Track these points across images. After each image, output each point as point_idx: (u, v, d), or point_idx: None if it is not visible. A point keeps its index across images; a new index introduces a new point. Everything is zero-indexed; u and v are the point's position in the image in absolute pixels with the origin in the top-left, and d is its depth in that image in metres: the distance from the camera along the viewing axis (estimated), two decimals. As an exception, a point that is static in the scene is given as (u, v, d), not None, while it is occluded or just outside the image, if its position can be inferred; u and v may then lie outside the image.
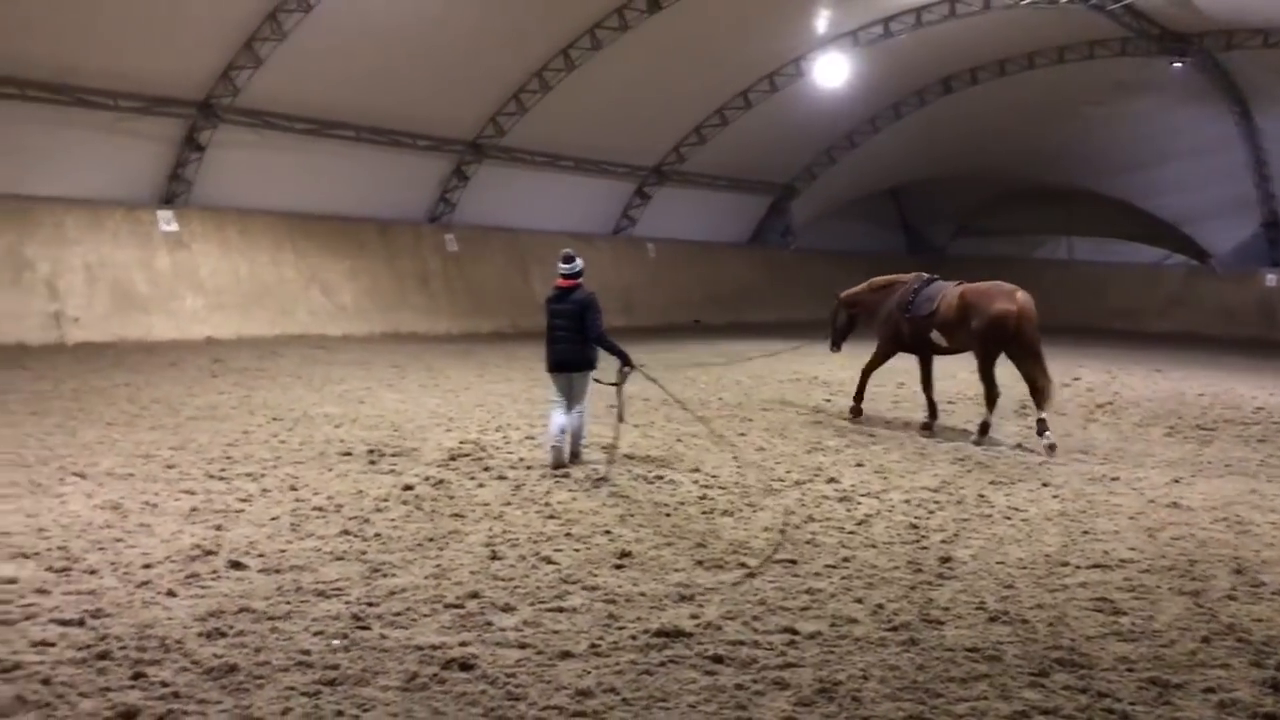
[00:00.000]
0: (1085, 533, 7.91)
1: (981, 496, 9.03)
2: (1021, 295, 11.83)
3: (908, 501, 8.76)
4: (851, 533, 7.73)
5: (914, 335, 12.70)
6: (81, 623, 5.39)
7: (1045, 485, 9.56)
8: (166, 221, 21.18)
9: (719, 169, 30.89)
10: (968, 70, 28.53)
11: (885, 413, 13.79)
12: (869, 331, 13.94)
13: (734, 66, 26.66)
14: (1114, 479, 9.93)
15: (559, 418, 9.73)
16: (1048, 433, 11.42)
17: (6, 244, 18.90)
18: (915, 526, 7.96)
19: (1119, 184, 32.37)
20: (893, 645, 5.49)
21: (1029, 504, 8.81)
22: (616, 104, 25.87)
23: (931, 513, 8.42)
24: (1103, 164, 31.48)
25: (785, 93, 27.67)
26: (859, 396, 13.40)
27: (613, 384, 10.03)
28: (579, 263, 10.00)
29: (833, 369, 19.03)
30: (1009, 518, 8.33)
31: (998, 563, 7.06)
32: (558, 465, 9.54)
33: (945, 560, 7.06)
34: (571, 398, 9.83)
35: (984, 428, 11.98)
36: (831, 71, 25.91)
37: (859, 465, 10.22)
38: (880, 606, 6.08)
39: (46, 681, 4.67)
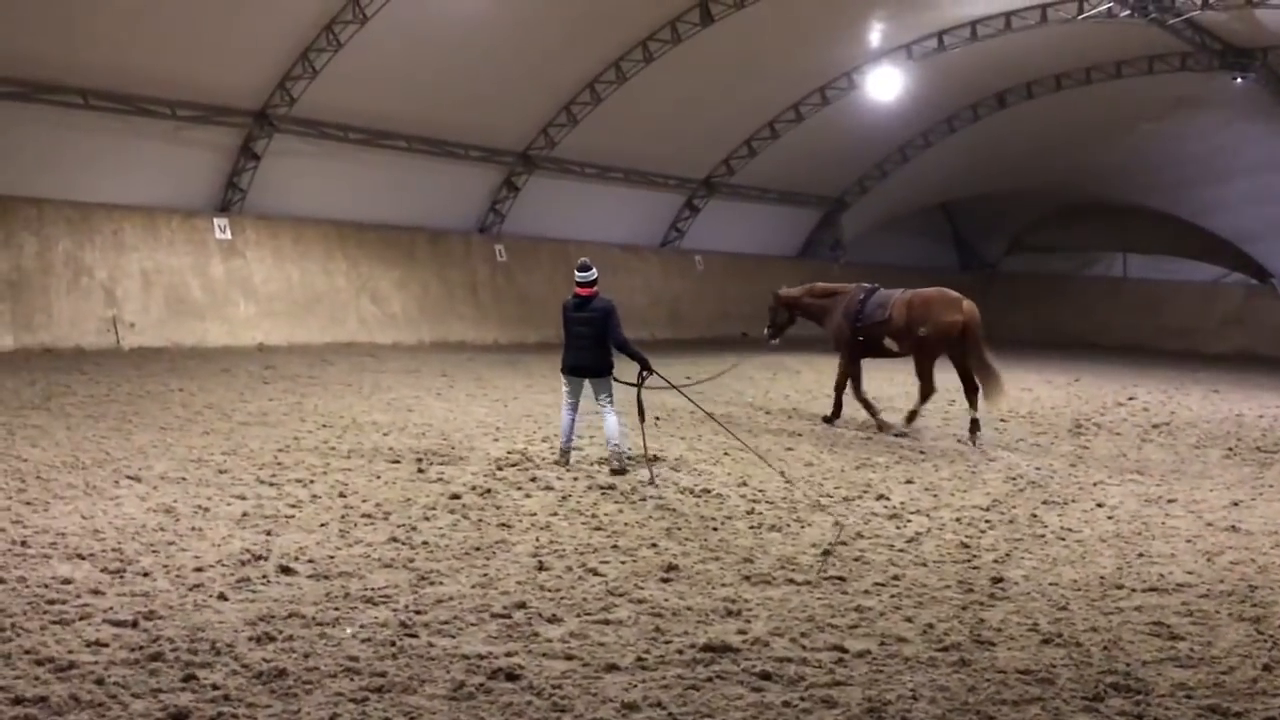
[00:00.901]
0: (1140, 555, 7.76)
1: (1034, 516, 8.89)
2: (967, 304, 13.00)
3: (959, 520, 8.65)
4: (901, 550, 7.64)
5: (865, 342, 13.53)
6: (135, 624, 5.45)
7: (1100, 506, 9.40)
8: (221, 229, 21.50)
9: (769, 182, 30.81)
10: (1023, 85, 28.22)
11: (935, 428, 13.64)
12: (805, 331, 15.38)
13: (785, 79, 26.61)
14: (1170, 501, 9.73)
15: (570, 420, 10.31)
16: (979, 431, 12.68)
17: (65, 250, 19.27)
18: (966, 545, 7.85)
19: (1177, 200, 31.84)
20: (943, 665, 5.40)
21: (1083, 525, 8.66)
22: (667, 116, 25.91)
23: (983, 532, 8.30)
24: (1161, 180, 30.98)
25: (836, 106, 27.57)
26: (836, 410, 14.03)
27: (631, 384, 10.21)
28: (594, 271, 10.28)
29: (882, 385, 18.87)
30: (1062, 538, 8.19)
31: (1051, 584, 6.94)
32: (564, 460, 10.19)
33: (997, 580, 6.95)
34: (597, 401, 10.26)
35: (912, 416, 13.32)
36: (884, 85, 25.82)
37: (909, 482, 10.11)
38: (930, 626, 5.99)
39: (100, 681, 4.72)
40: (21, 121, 18.53)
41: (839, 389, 14.00)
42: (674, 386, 11.24)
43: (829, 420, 13.92)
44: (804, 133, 28.38)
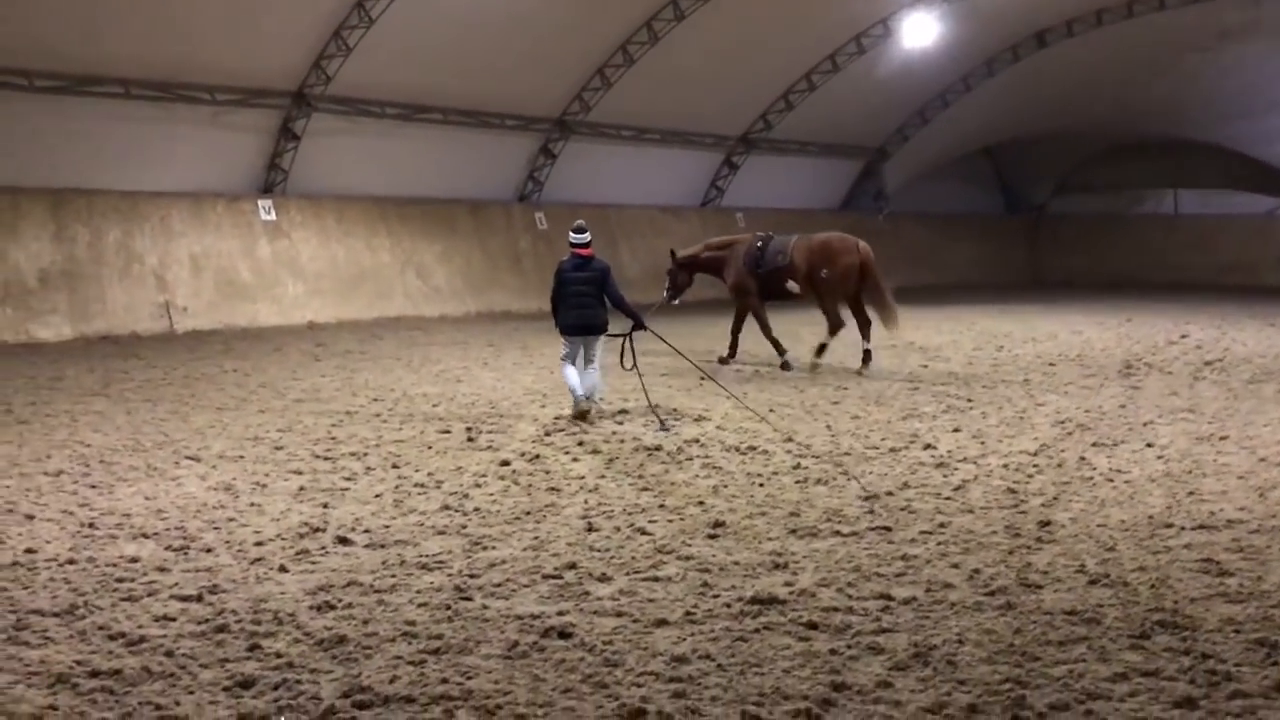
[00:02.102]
0: (1191, 494, 7.72)
1: (1082, 459, 8.87)
2: (863, 245, 14.31)
3: (1006, 466, 8.65)
4: (948, 499, 7.67)
5: (766, 286, 14.59)
6: (200, 598, 5.64)
7: (1149, 446, 9.34)
8: (266, 210, 21.80)
9: (808, 135, 30.56)
10: (1063, 23, 27.69)
11: (985, 376, 13.58)
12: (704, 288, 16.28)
13: (820, 30, 26.33)
14: (1223, 438, 9.65)
15: (575, 375, 10.70)
16: (869, 363, 14.09)
17: (116, 238, 19.66)
18: (1013, 491, 7.86)
19: (1228, 133, 31.17)
20: (989, 609, 5.45)
21: (1132, 466, 8.63)
22: (701, 74, 25.76)
23: (1030, 477, 8.30)
24: (1210, 113, 30.33)
25: (873, 54, 27.25)
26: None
27: (619, 335, 10.98)
28: (589, 233, 10.89)
29: (929, 334, 18.80)
30: (1111, 480, 8.17)
31: (1098, 525, 6.94)
32: (583, 415, 10.47)
33: (1044, 524, 6.97)
34: (587, 357, 10.81)
35: (820, 349, 14.43)
36: (920, 31, 25.46)
37: (956, 431, 10.11)
38: (977, 571, 6.03)
39: (170, 654, 4.92)
40: (67, 115, 18.88)
41: (735, 332, 15.12)
42: (666, 342, 11.53)
43: (725, 360, 14.90)
44: (842, 83, 28.09)
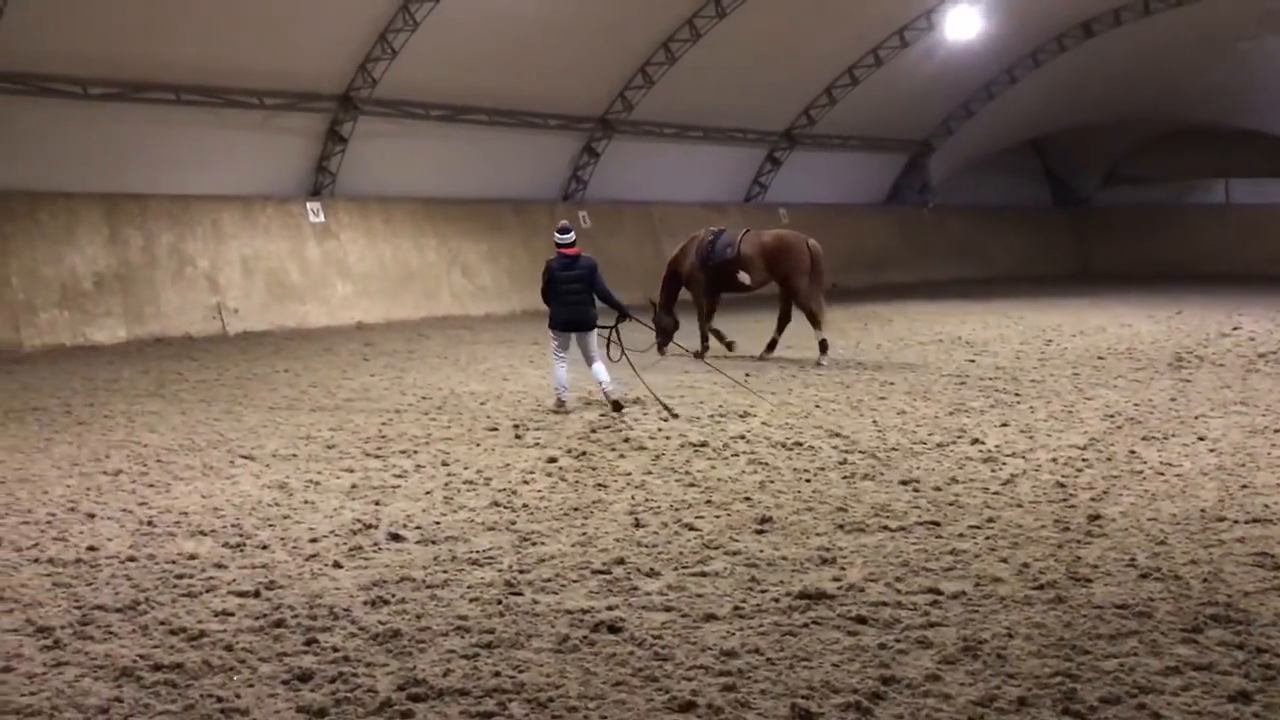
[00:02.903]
0: (1244, 487, 7.63)
1: (1132, 453, 8.79)
2: (813, 242, 14.89)
3: (1055, 460, 8.59)
4: (996, 493, 7.64)
5: (717, 278, 15.08)
6: (257, 594, 5.77)
7: (1201, 439, 9.24)
8: (314, 213, 22.08)
9: (851, 129, 30.43)
10: (1110, 11, 27.33)
11: (1032, 370, 13.48)
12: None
13: (862, 24, 26.21)
14: (1277, 431, 9.51)
15: (563, 371, 11.21)
16: (828, 351, 14.58)
17: (169, 242, 20.01)
18: (1062, 485, 7.81)
19: (1280, 119, 30.65)
20: (1039, 604, 5.44)
21: (1183, 459, 8.54)
22: (743, 70, 25.73)
23: (1080, 471, 8.24)
24: (1262, 100, 29.82)
25: (917, 47, 27.07)
26: (704, 342, 15.32)
27: (609, 327, 11.61)
28: (574, 233, 11.36)
29: (976, 328, 18.68)
30: (1162, 474, 8.10)
31: (1149, 519, 6.89)
32: (563, 409, 11.05)
33: (1094, 518, 6.92)
34: (585, 353, 11.24)
35: (772, 345, 15.13)
36: (963, 24, 25.27)
37: (1004, 425, 10.05)
38: (1026, 565, 6.02)
39: (229, 648, 5.03)
40: (121, 121, 19.26)
41: (702, 324, 15.45)
42: (682, 347, 12.73)
43: (699, 354, 15.03)
44: (885, 77, 27.94)
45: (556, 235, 11.31)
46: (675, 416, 10.64)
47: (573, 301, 11.15)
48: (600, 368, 11.25)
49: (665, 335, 14.98)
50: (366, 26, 20.39)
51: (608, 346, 11.75)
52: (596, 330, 11.35)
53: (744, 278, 14.97)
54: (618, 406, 11.00)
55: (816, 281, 14.83)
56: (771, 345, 15.09)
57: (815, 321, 14.77)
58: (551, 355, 11.46)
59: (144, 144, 19.81)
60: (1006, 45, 27.68)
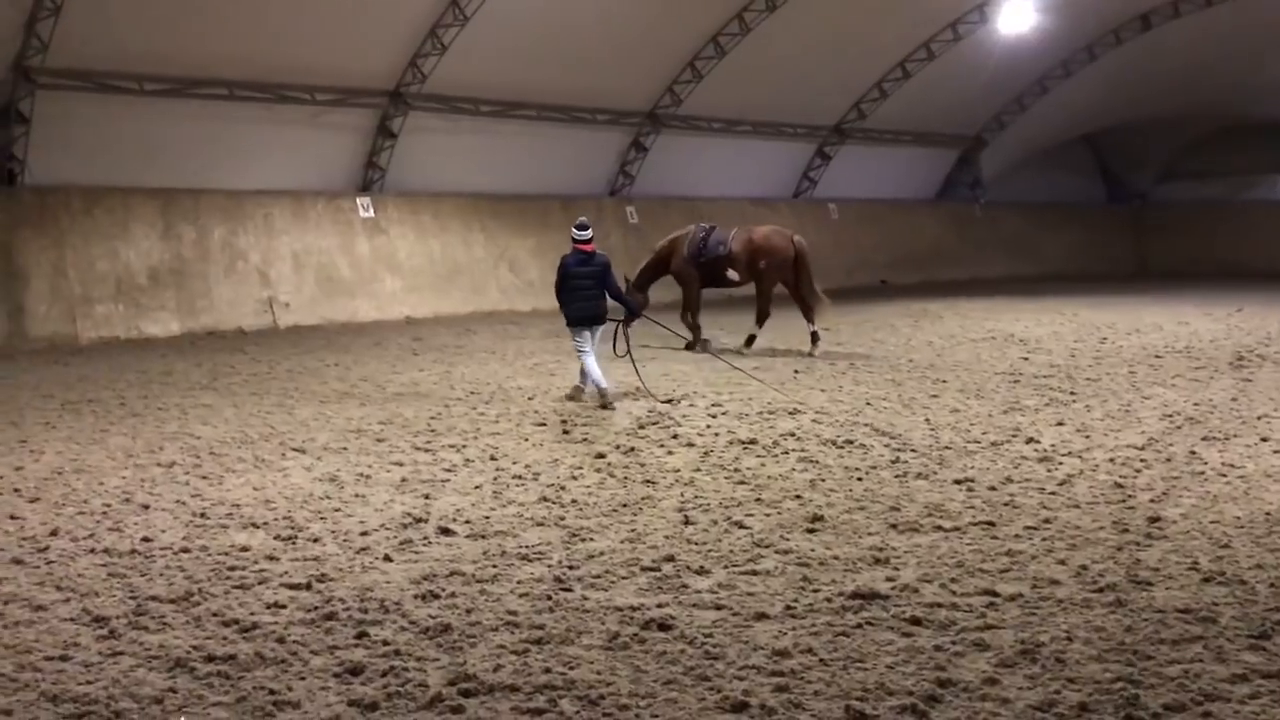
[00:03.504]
0: (1310, 489, 7.44)
1: (1193, 453, 8.60)
2: (798, 238, 15.55)
3: (1112, 460, 8.43)
4: (1053, 493, 7.50)
5: (708, 274, 15.60)
6: (309, 586, 5.79)
7: (1264, 440, 9.02)
8: (365, 208, 22.23)
9: (902, 124, 30.09)
10: (1169, 3, 26.79)
11: (1087, 368, 13.25)
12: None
13: (914, 17, 25.91)
14: (1343, 432, 9.28)
15: (594, 362, 11.33)
16: (819, 342, 15.09)
17: (221, 236, 20.23)
18: (1121, 486, 7.66)
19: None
20: (1098, 607, 5.33)
21: (1245, 460, 8.34)
22: (793, 64, 25.54)
23: (1138, 471, 8.07)
24: (1326, 93, 29.11)
25: (969, 41, 26.73)
26: (696, 335, 15.65)
27: (618, 320, 11.98)
28: (590, 230, 11.49)
29: (1029, 326, 18.43)
30: (1224, 475, 7.91)
31: (1211, 522, 6.73)
32: (607, 405, 11.05)
33: (1154, 520, 6.78)
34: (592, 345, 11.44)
35: (750, 340, 15.55)
36: (1017, 17, 24.91)
37: (1059, 424, 9.88)
38: (1084, 568, 5.90)
39: (281, 640, 5.05)
40: (175, 117, 19.49)
41: (693, 317, 15.83)
42: (666, 328, 13.44)
43: (691, 347, 15.38)
44: (937, 71, 27.61)
45: (574, 231, 11.48)
46: (670, 403, 11.05)
47: (588, 297, 11.37)
48: (597, 366, 11.46)
49: (633, 314, 14.67)
50: (417, 22, 20.48)
51: (614, 342, 12.12)
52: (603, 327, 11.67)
53: (734, 274, 15.51)
54: (609, 405, 11.06)
55: (804, 277, 15.35)
56: (814, 338, 15.25)
57: (760, 317, 15.52)
58: (578, 350, 11.56)
59: (197, 139, 20.04)
60: (1061, 38, 27.23)
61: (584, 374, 11.49)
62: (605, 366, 11.70)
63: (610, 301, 11.62)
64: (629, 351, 11.99)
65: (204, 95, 19.54)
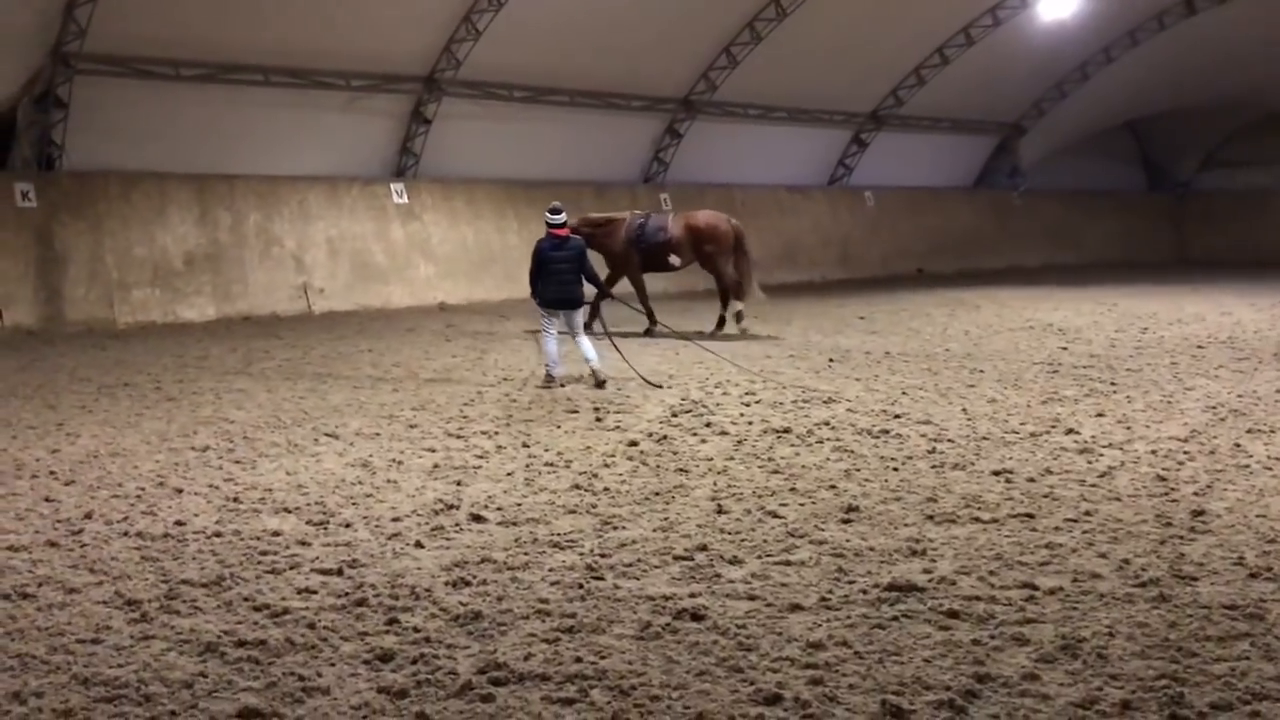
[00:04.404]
0: (1360, 484, 7.26)
1: (1237, 446, 8.42)
2: (735, 222, 16.30)
3: (1154, 452, 8.26)
4: (1093, 485, 7.36)
5: (648, 259, 16.07)
6: (340, 572, 5.77)
7: (1311, 433, 8.82)
8: (399, 194, 22.27)
9: (940, 111, 29.80)
10: (1214, -13, 26.36)
11: (1128, 359, 13.05)
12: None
13: (953, 3, 25.63)
14: (1392, 425, 9.06)
15: (554, 345, 11.66)
16: (745, 319, 15.98)
17: (257, 222, 20.34)
18: (1163, 479, 7.50)
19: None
20: (1141, 602, 5.20)
21: (1293, 453, 8.15)
22: (829, 51, 25.32)
23: (1181, 464, 7.91)
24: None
25: (1009, 26, 26.39)
26: (652, 319, 16.08)
27: (590, 302, 12.43)
28: (565, 214, 11.89)
29: (1068, 315, 18.19)
30: (1269, 469, 7.73)
31: (1257, 516, 6.57)
32: (550, 385, 11.47)
33: (1198, 514, 6.63)
34: (572, 330, 11.77)
35: (721, 322, 16.10)
36: (1058, 2, 24.55)
37: (1099, 415, 9.71)
38: (1126, 562, 5.77)
39: (312, 626, 5.03)
40: (211, 103, 19.59)
41: (644, 303, 16.20)
42: (631, 306, 14.16)
43: (650, 332, 16.01)
44: (975, 57, 27.29)
45: (548, 216, 11.78)
46: (658, 387, 11.32)
47: (564, 281, 11.63)
48: (587, 345, 11.77)
49: (606, 295, 16.22)
50: (452, 7, 20.46)
51: (589, 320, 12.83)
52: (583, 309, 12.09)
53: (674, 260, 16.11)
54: (601, 383, 11.40)
55: (742, 259, 16.01)
56: (739, 316, 15.94)
57: (737, 294, 16.11)
58: (542, 330, 11.85)
59: (233, 125, 20.15)
60: (1103, 23, 26.83)
61: (551, 363, 11.71)
62: (601, 350, 12.08)
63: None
64: (606, 331, 12.51)
65: (240, 81, 19.62)
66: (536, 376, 12.39)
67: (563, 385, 11.53)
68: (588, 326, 15.04)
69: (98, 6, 17.04)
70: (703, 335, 15.55)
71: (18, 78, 17.78)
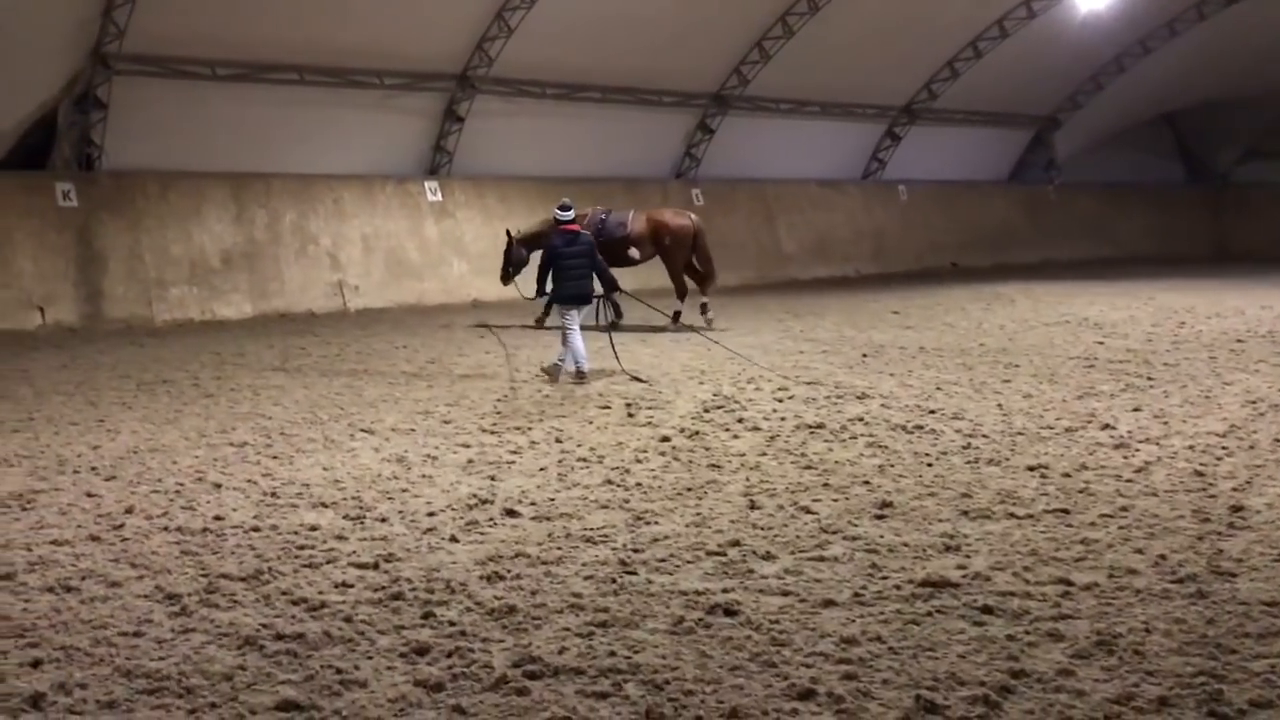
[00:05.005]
0: (1403, 480, 7.16)
1: (1277, 441, 8.32)
2: (694, 216, 17.25)
3: (1192, 448, 8.18)
4: (1129, 481, 7.31)
5: (608, 253, 15.39)
6: (376, 566, 5.83)
7: (1354, 428, 8.70)
8: (432, 191, 22.37)
9: (974, 104, 29.54)
10: (1255, -24, 25.96)
11: (1165, 353, 12.91)
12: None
13: (987, -5, 25.41)
14: None
15: (580, 341, 11.66)
16: (710, 312, 16.37)
17: (292, 220, 20.50)
18: (1201, 474, 7.43)
19: None
20: (1178, 598, 5.17)
21: (1334, 449, 8.05)
22: (862, 44, 25.17)
23: (1219, 459, 7.83)
24: None
25: (1045, 18, 26.11)
26: (615, 311, 16.50)
27: (600, 296, 12.60)
28: (574, 210, 12.17)
29: (1104, 310, 18.02)
30: (1311, 464, 7.64)
31: (1298, 512, 6.50)
32: (582, 380, 11.47)
33: (1236, 509, 6.56)
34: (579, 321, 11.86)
35: (677, 316, 16.16)
36: (1094, -7, 24.31)
37: (1136, 410, 9.63)
38: (1163, 557, 5.73)
39: (348, 619, 5.08)
40: (247, 102, 19.76)
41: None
42: (642, 302, 14.22)
43: (614, 325, 16.25)
44: (1010, 50, 27.03)
45: (557, 212, 12.03)
46: (644, 382, 11.45)
47: (577, 276, 11.78)
48: (582, 344, 11.83)
49: (515, 268, 17.08)
50: (484, 5, 20.52)
51: (596, 314, 13.31)
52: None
53: (634, 254, 16.48)
54: (582, 378, 11.53)
55: (701, 254, 16.72)
56: (704, 308, 16.43)
57: (702, 288, 16.71)
58: (565, 328, 11.76)
59: (269, 123, 20.31)
60: (1140, 15, 26.50)
61: (569, 353, 11.68)
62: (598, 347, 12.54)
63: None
64: (609, 324, 12.68)
65: (275, 80, 19.78)
66: (568, 373, 12.42)
67: (589, 382, 11.54)
68: (613, 324, 15.53)
69: (136, 8, 17.23)
70: (664, 328, 15.96)
71: (58, 79, 18.01)
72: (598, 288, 12.78)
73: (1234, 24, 27.26)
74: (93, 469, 8.13)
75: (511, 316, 18.83)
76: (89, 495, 7.37)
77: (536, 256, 17.20)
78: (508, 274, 17.17)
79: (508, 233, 17.40)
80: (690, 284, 16.89)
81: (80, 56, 17.87)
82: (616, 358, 12.31)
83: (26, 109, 18.12)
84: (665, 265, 16.90)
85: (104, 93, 18.26)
